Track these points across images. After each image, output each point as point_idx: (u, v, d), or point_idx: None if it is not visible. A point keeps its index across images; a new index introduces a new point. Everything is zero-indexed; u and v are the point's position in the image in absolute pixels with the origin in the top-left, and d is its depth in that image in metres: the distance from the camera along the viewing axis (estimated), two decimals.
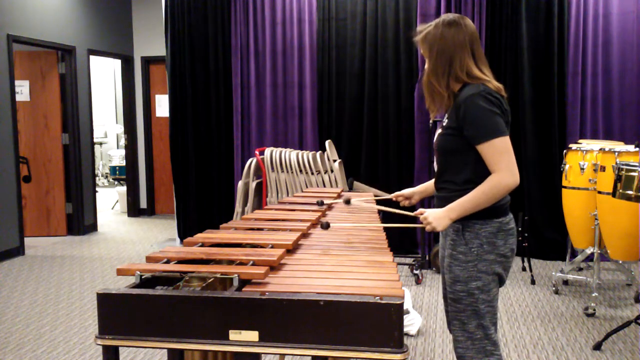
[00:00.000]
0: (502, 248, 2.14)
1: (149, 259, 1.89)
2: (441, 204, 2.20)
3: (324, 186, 5.06)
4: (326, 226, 2.18)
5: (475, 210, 2.08)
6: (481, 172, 2.09)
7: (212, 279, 1.77)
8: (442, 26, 2.16)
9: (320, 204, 2.68)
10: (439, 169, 2.28)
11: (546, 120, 5.67)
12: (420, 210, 2.19)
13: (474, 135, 2.08)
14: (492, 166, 2.07)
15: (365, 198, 2.81)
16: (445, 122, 2.22)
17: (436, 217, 2.11)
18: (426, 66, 2.22)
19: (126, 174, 8.50)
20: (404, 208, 2.49)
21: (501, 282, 2.19)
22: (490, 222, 2.12)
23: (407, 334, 3.75)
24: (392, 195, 2.67)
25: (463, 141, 2.12)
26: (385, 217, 2.96)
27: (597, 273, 4.32)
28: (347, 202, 2.64)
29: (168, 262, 1.87)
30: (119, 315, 1.60)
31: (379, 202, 2.83)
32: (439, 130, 2.27)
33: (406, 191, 2.61)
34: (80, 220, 7.18)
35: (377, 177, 6.04)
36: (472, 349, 2.16)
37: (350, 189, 5.02)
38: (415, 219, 2.23)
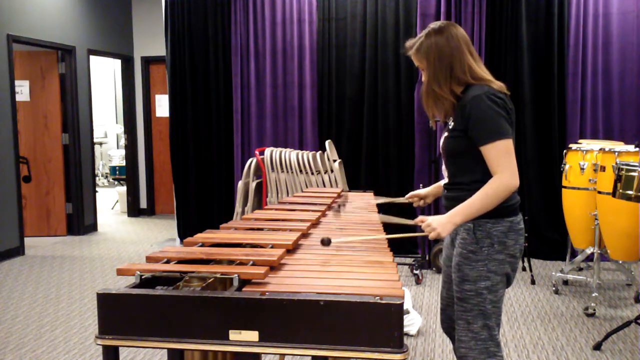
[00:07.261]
0: (512, 248, 2.14)
1: (149, 259, 1.89)
2: (450, 204, 2.20)
3: (324, 186, 5.06)
4: (327, 242, 2.10)
5: (479, 213, 2.07)
6: (489, 172, 2.09)
7: (212, 279, 1.77)
8: (434, 34, 2.17)
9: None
10: (448, 171, 2.28)
11: (546, 120, 5.67)
12: (421, 217, 2.16)
13: (478, 137, 2.08)
14: (494, 168, 2.07)
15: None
16: (450, 124, 2.21)
17: (440, 223, 2.08)
18: (424, 76, 2.22)
19: (126, 174, 8.50)
20: (407, 215, 2.44)
21: (508, 282, 2.19)
22: (501, 221, 2.12)
23: (407, 334, 3.75)
24: (407, 196, 2.64)
25: (470, 142, 2.12)
26: (384, 225, 2.93)
27: (597, 273, 4.32)
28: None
29: (168, 262, 1.87)
30: (119, 315, 1.60)
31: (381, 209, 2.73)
32: (445, 134, 2.26)
33: (421, 191, 2.60)
34: (80, 220, 7.18)
35: (377, 177, 6.04)
36: (475, 349, 2.14)
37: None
38: (415, 227, 2.21)
